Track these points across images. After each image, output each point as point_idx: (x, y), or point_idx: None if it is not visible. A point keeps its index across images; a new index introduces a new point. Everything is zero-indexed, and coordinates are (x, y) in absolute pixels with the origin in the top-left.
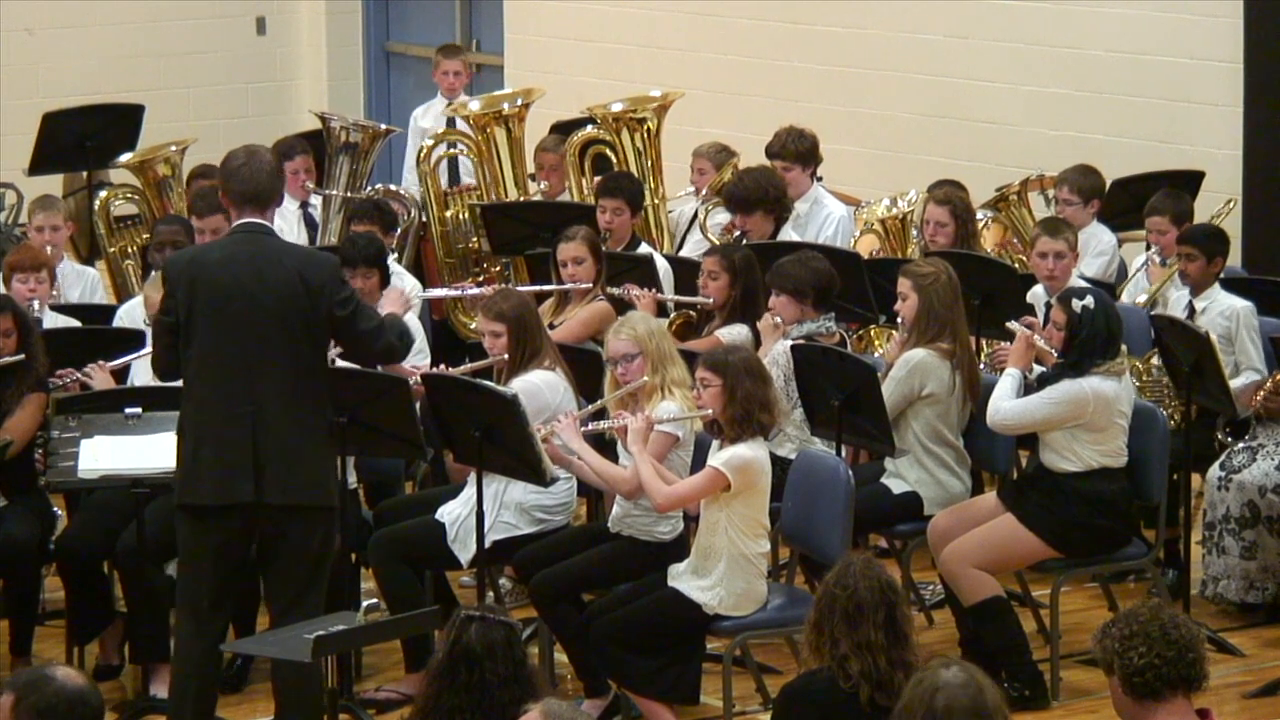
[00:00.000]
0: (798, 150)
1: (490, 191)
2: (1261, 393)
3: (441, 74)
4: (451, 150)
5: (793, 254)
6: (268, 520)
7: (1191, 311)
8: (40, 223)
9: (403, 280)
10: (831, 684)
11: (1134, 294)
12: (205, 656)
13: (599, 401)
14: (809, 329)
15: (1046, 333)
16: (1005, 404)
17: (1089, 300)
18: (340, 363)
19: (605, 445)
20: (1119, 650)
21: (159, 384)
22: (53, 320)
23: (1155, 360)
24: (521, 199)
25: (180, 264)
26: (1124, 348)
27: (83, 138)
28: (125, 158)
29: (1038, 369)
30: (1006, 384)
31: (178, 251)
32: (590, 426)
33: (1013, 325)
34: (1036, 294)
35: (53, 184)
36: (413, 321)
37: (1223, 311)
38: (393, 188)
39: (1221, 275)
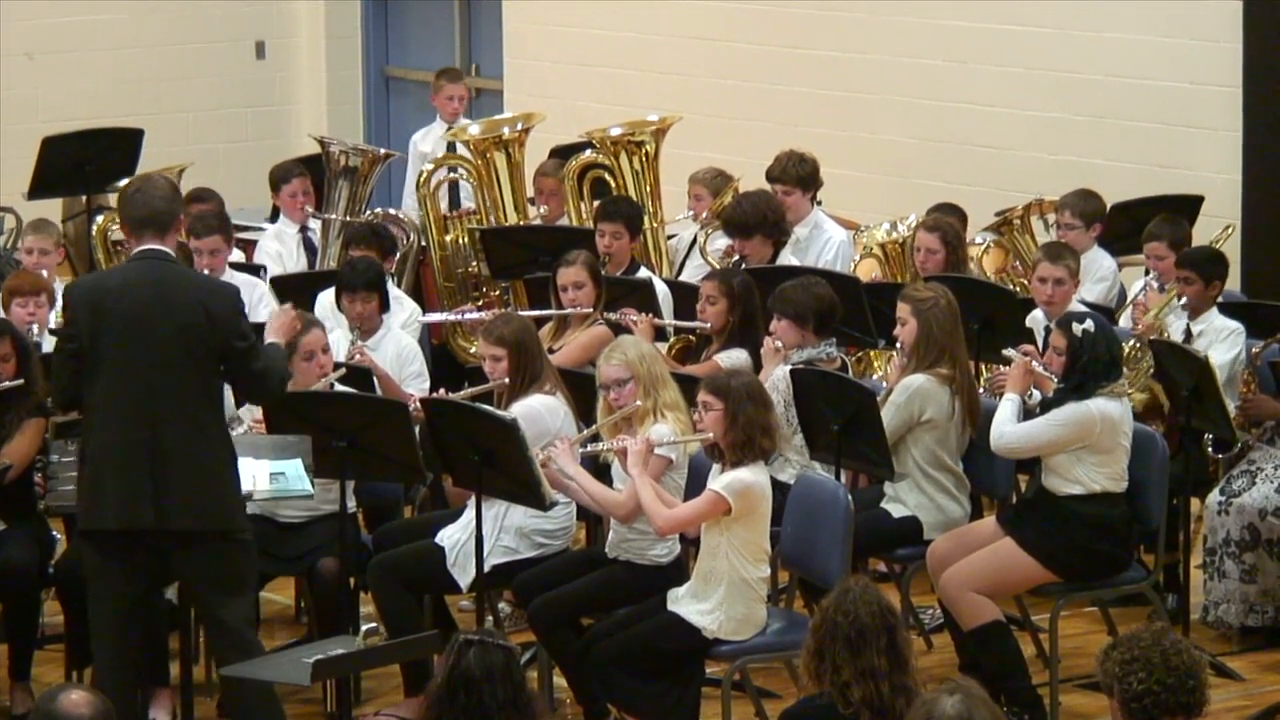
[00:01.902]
0: (798, 174)
1: (490, 216)
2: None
3: (445, 98)
4: (452, 174)
5: (795, 279)
6: (172, 546)
7: (1189, 335)
8: (30, 245)
9: (401, 305)
10: (831, 710)
11: (1133, 318)
12: (120, 684)
13: (593, 427)
14: (810, 354)
15: (1047, 358)
16: (1009, 428)
17: (1089, 324)
18: (339, 387)
19: (599, 470)
20: (1119, 674)
21: None
22: (51, 344)
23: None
24: (521, 223)
25: (82, 290)
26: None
27: (82, 162)
28: (124, 182)
29: (1035, 394)
30: (1006, 409)
31: (79, 278)
32: (589, 449)
33: (1009, 353)
34: (1036, 319)
35: (52, 208)
36: (412, 346)
37: (1219, 335)
38: (392, 211)
39: (1220, 299)
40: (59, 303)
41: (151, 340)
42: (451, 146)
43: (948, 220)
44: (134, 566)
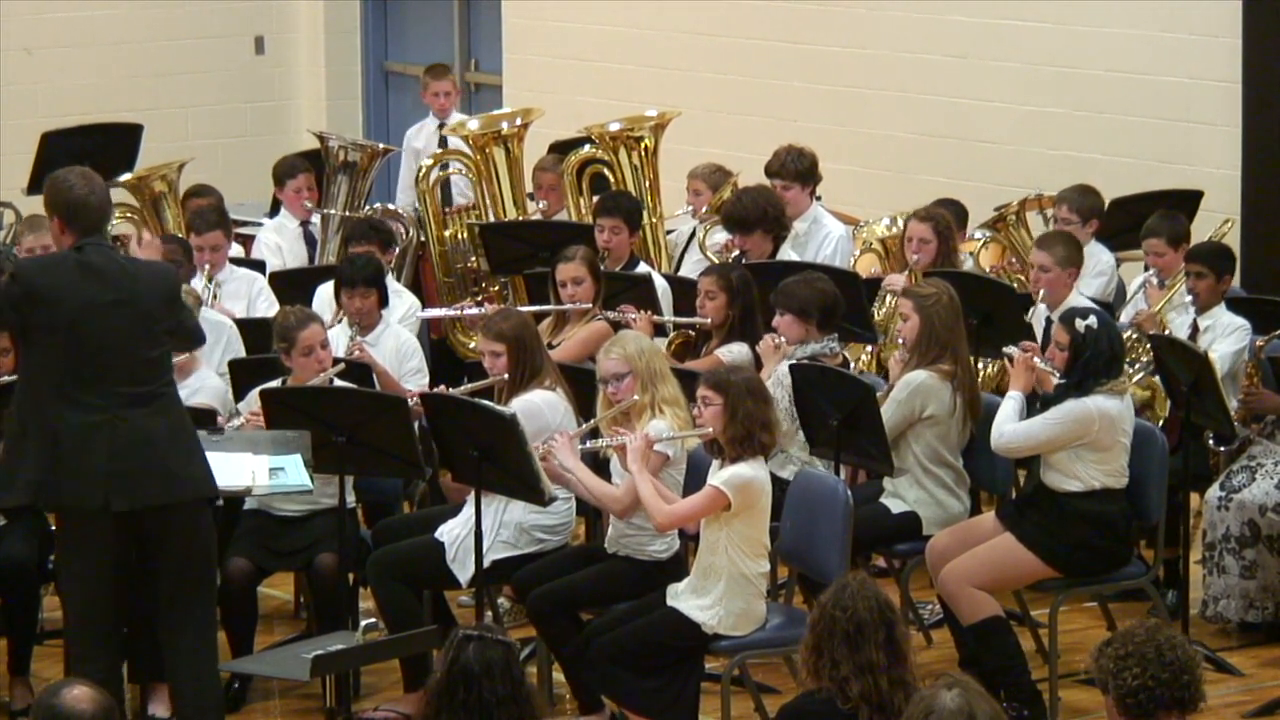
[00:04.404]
0: (797, 169)
1: (489, 211)
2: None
3: (432, 95)
4: (444, 171)
5: (798, 274)
6: (144, 524)
7: (1195, 330)
8: (30, 244)
9: (400, 298)
10: (830, 705)
11: (1132, 315)
12: (105, 677)
13: (592, 421)
14: (813, 349)
15: (1049, 352)
16: (1009, 427)
17: (1092, 320)
18: (339, 383)
19: (598, 466)
20: (1114, 670)
21: None
22: None
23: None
24: (520, 218)
25: (43, 271)
26: (1126, 368)
27: (81, 157)
28: (124, 177)
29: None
30: (1009, 407)
31: (33, 258)
32: (589, 445)
33: (1010, 350)
34: (1040, 313)
35: None
36: (411, 341)
37: (1226, 330)
38: (391, 207)
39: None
40: None
41: (110, 323)
42: (443, 142)
43: (939, 211)
44: (111, 552)
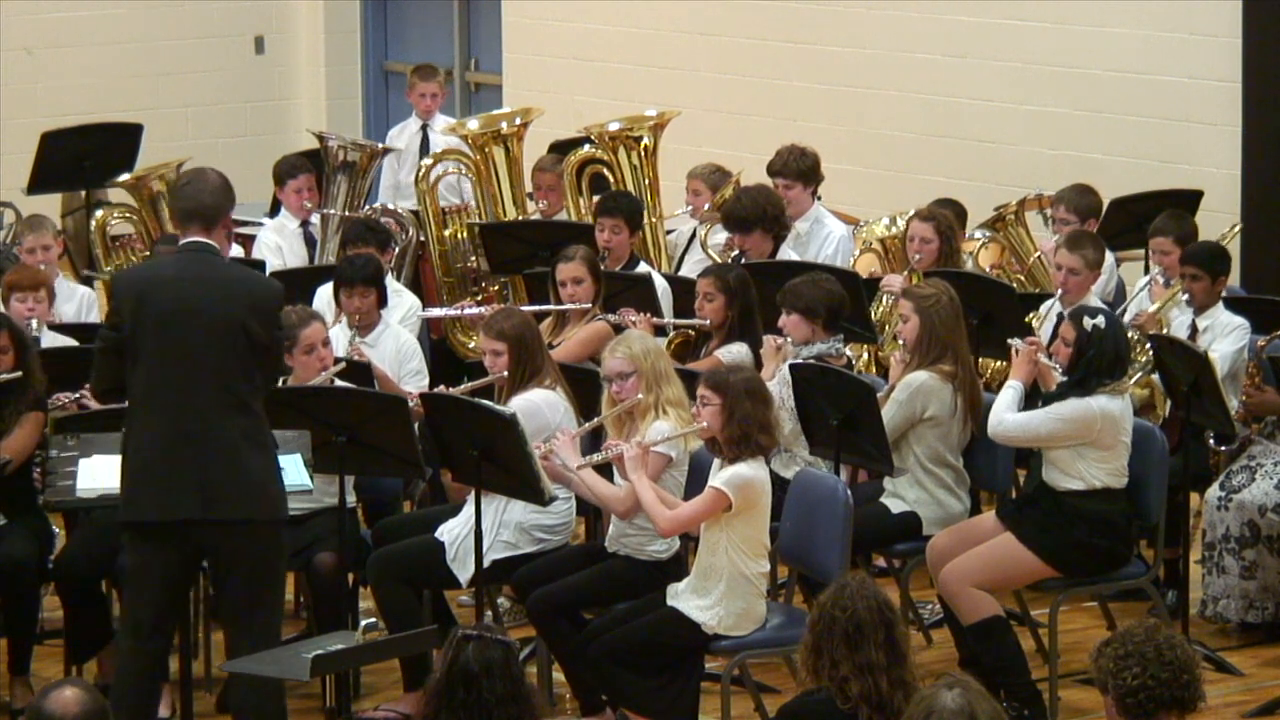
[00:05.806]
0: (799, 168)
1: (488, 211)
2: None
3: (419, 95)
4: (445, 172)
5: (805, 274)
6: (214, 536)
7: (1194, 331)
8: (31, 244)
9: (401, 298)
10: (829, 705)
11: (1134, 314)
12: (143, 677)
13: (595, 419)
14: (819, 349)
15: (1054, 348)
16: (1009, 415)
17: (1100, 320)
18: (339, 382)
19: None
20: (1113, 670)
21: None
22: (51, 339)
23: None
24: (520, 218)
25: (128, 281)
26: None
27: (81, 157)
28: (123, 177)
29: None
30: (1008, 395)
31: (126, 269)
32: (586, 460)
33: (1014, 342)
34: (1050, 306)
35: (51, 203)
36: (411, 343)
37: (1225, 329)
38: (390, 207)
39: (1224, 294)
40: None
41: (198, 331)
42: (425, 144)
43: (942, 211)
44: (172, 560)
